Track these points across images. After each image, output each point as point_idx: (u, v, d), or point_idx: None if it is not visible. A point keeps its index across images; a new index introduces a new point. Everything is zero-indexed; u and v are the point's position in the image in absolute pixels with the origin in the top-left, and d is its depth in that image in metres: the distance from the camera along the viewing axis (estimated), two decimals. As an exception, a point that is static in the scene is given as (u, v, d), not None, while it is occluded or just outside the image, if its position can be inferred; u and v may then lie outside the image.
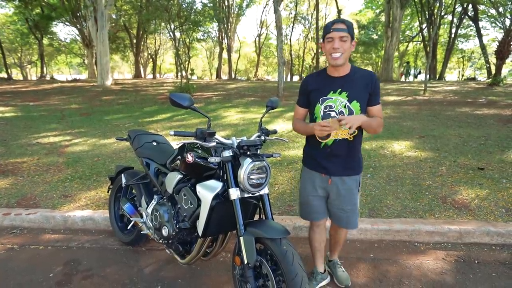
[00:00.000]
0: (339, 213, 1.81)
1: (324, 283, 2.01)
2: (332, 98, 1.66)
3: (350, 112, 1.63)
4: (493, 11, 17.24)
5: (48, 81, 17.14)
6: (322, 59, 21.17)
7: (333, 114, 1.66)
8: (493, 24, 19.44)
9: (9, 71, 20.82)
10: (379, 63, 22.98)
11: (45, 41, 23.88)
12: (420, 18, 20.10)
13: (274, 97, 1.98)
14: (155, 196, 2.12)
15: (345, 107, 1.63)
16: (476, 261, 2.26)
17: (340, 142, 1.69)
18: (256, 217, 1.79)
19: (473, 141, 4.58)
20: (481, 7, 17.53)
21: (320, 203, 1.85)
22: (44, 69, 24.66)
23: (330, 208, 1.85)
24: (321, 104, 1.69)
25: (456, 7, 18.68)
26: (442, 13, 19.79)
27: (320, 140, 1.70)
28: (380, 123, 1.69)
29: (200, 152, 1.74)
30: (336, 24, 1.59)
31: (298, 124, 1.84)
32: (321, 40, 1.67)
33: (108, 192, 2.66)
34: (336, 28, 1.58)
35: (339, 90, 1.64)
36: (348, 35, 1.58)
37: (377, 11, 24.55)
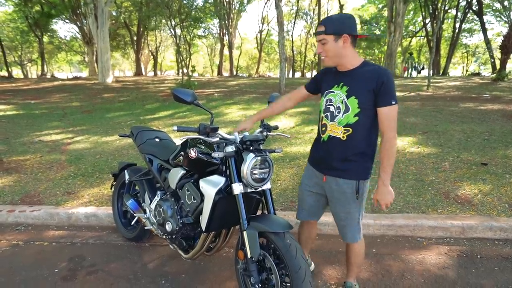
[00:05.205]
0: (336, 218, 1.73)
1: None
2: (334, 92, 1.61)
3: (347, 109, 1.55)
4: (498, 5, 17.07)
5: (49, 79, 17.19)
6: (323, 55, 21.08)
7: (331, 108, 1.62)
8: (498, 19, 19.27)
9: (9, 69, 20.86)
10: (382, 59, 22.83)
11: (45, 39, 23.91)
12: (423, 13, 19.94)
13: (276, 93, 1.98)
14: (158, 192, 2.14)
15: (342, 102, 1.57)
16: (478, 256, 2.25)
17: (334, 139, 1.61)
18: (259, 213, 1.79)
19: (477, 136, 4.55)
20: (486, 1, 17.36)
21: (313, 203, 1.78)
22: (45, 67, 24.72)
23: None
24: (324, 97, 1.66)
25: (460, 1, 18.51)
26: (446, 8, 19.63)
27: (321, 135, 1.68)
28: (389, 148, 1.57)
29: (203, 147, 1.74)
30: (318, 27, 1.55)
31: (281, 98, 1.93)
32: None
33: (111, 188, 2.68)
34: (316, 32, 1.55)
35: (341, 84, 1.59)
36: (325, 37, 1.50)
37: (380, 6, 24.36)
